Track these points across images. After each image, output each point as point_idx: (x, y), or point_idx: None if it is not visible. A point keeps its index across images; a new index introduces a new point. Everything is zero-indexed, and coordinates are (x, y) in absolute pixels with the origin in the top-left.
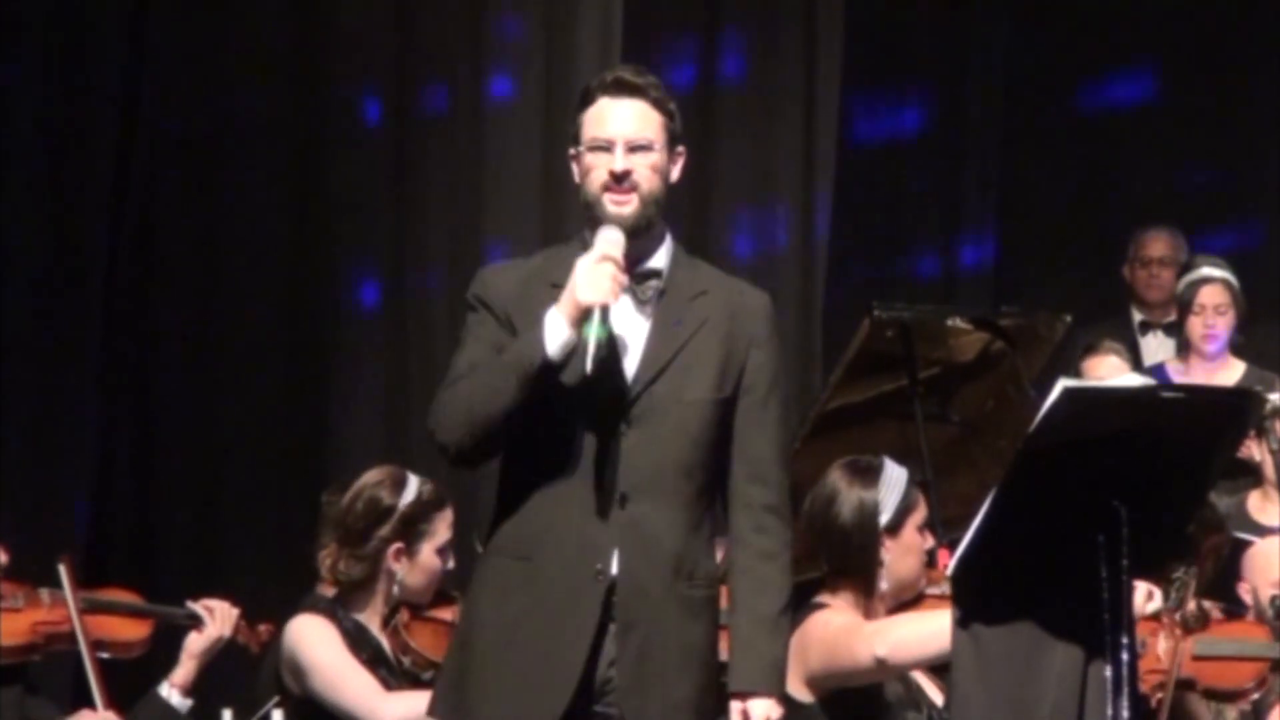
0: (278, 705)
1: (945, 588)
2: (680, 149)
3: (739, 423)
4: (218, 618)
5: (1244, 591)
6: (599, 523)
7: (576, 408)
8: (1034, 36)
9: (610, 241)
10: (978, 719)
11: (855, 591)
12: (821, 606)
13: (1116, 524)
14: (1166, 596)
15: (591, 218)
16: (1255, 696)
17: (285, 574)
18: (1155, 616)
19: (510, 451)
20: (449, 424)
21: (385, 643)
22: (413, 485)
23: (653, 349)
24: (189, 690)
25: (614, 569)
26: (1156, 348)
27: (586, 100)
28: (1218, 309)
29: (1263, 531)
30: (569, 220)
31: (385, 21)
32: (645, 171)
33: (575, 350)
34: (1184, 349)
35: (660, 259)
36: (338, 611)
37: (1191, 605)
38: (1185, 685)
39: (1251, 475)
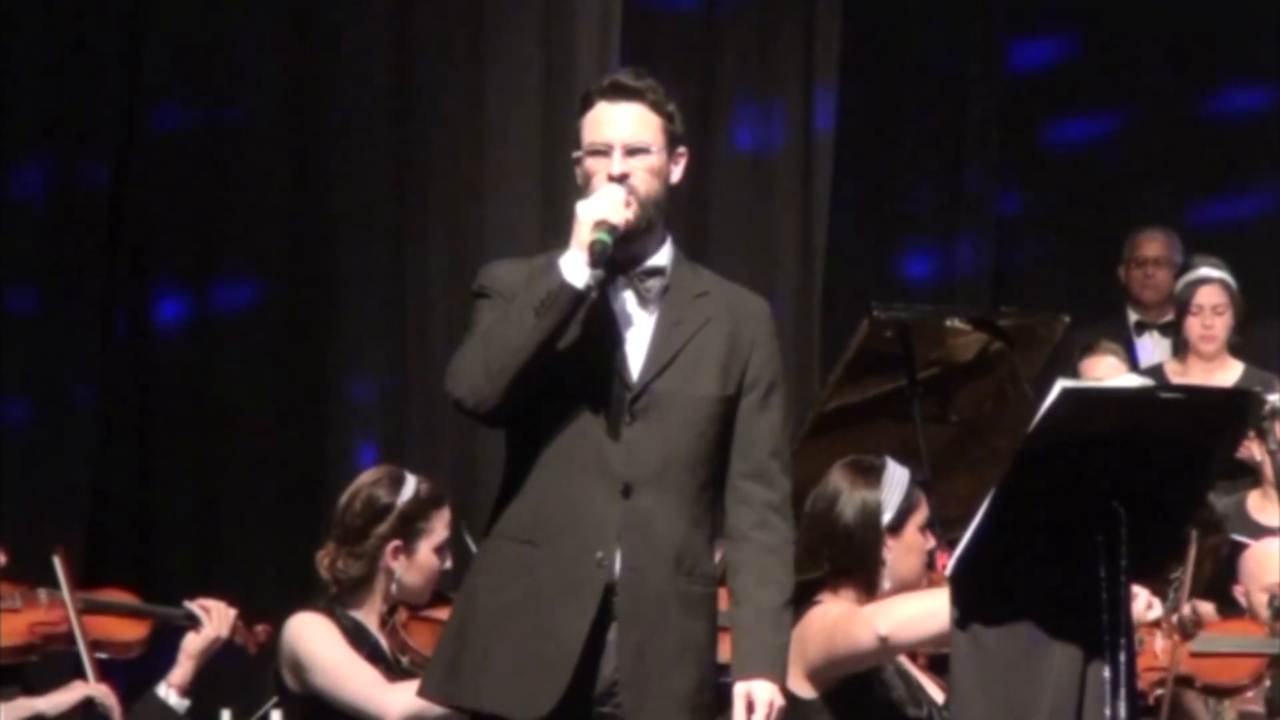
0: (276, 705)
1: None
2: (682, 149)
3: (741, 421)
4: (215, 618)
5: (1238, 594)
6: (603, 512)
7: (583, 398)
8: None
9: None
10: (977, 719)
11: (857, 591)
12: (820, 604)
13: (1115, 524)
14: (1163, 599)
15: None
16: (1251, 693)
17: (283, 575)
18: (1155, 623)
19: (517, 438)
20: (463, 374)
21: (383, 641)
22: (410, 484)
23: (658, 344)
24: (186, 690)
25: (616, 559)
26: (1152, 348)
27: (585, 105)
28: (1215, 309)
29: (1262, 532)
30: (568, 222)
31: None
32: (643, 175)
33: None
34: (1182, 349)
35: (663, 258)
36: (336, 610)
37: (1187, 610)
38: (1184, 682)
39: (1251, 475)
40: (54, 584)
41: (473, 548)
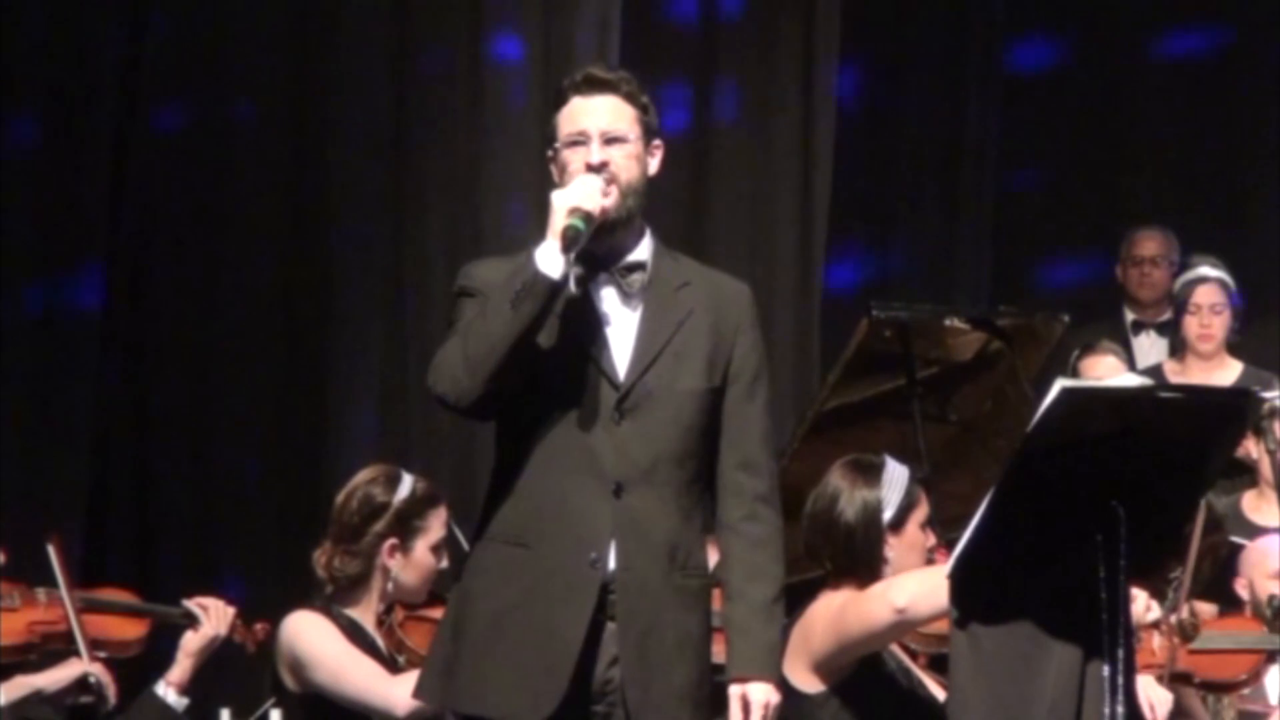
0: (275, 705)
1: None
2: (658, 142)
3: (728, 412)
4: (213, 617)
5: (1240, 587)
6: (595, 512)
7: (570, 398)
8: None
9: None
10: (977, 718)
11: (859, 589)
12: (821, 598)
13: (1115, 524)
14: (1162, 600)
15: None
16: (1248, 690)
17: (282, 573)
18: (1154, 625)
19: (505, 440)
20: (444, 370)
21: (380, 641)
22: (407, 482)
23: (643, 340)
24: (185, 689)
25: (610, 559)
26: (1149, 347)
27: (559, 100)
28: (1213, 308)
29: (1258, 532)
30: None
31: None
32: (623, 161)
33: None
34: (1180, 349)
35: (643, 252)
36: (333, 608)
37: (1186, 612)
38: (1182, 678)
39: (1247, 474)
40: (52, 582)
41: (467, 547)
